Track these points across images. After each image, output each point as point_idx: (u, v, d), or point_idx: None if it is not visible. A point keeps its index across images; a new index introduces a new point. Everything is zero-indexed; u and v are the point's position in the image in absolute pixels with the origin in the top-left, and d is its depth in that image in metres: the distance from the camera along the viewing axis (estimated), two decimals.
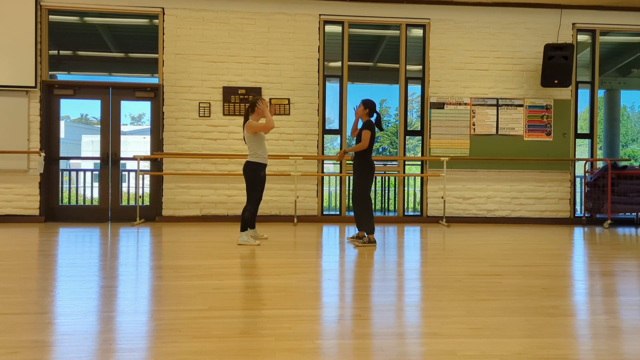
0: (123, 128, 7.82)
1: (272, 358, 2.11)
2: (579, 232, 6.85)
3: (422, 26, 7.76)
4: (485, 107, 7.70)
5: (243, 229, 5.30)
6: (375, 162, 5.52)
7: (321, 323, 2.62)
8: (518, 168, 7.73)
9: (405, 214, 7.96)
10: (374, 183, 9.21)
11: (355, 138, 5.53)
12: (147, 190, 7.73)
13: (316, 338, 2.37)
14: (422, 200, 7.84)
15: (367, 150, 5.31)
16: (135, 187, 7.53)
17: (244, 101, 7.41)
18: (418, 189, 8.22)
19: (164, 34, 7.38)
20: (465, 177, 7.73)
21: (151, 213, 7.46)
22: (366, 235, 5.33)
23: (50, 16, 7.34)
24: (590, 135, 8.01)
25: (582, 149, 9.33)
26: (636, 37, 8.48)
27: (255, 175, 5.24)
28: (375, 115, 5.41)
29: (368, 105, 5.39)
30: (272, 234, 6.08)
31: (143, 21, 7.71)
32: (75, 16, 7.64)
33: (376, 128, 5.40)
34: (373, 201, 9.56)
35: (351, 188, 6.82)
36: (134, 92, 7.56)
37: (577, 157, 8.13)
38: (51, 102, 7.38)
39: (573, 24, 7.85)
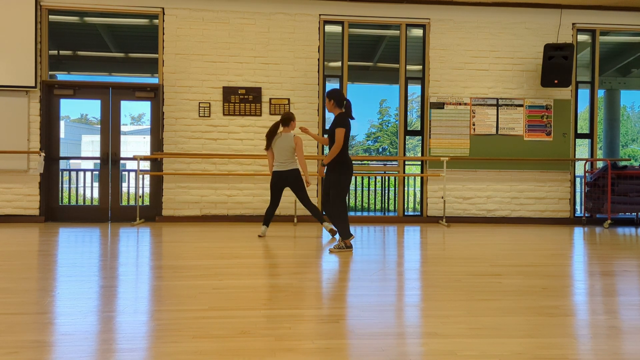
0: (123, 128, 7.82)
1: (272, 358, 2.11)
2: (579, 232, 6.85)
3: (422, 26, 7.75)
4: (485, 107, 7.70)
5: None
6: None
7: (321, 323, 2.62)
8: (518, 168, 7.73)
9: (405, 214, 7.96)
10: (373, 183, 9.24)
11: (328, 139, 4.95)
12: (147, 190, 7.73)
13: (316, 338, 2.37)
14: (422, 200, 7.84)
15: (343, 147, 4.76)
16: (135, 187, 7.53)
17: (244, 101, 7.41)
18: (418, 189, 8.22)
19: (164, 34, 7.38)
20: (465, 177, 7.73)
21: (151, 213, 7.46)
22: (339, 240, 4.87)
23: (50, 16, 7.34)
24: (590, 135, 8.01)
25: (582, 149, 9.34)
26: (636, 37, 8.48)
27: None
28: (345, 102, 4.81)
29: (332, 96, 4.79)
30: (272, 234, 6.08)
31: (143, 21, 7.71)
32: (75, 16, 7.64)
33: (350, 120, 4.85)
34: (373, 201, 9.62)
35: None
36: (134, 92, 7.56)
37: (577, 157, 8.13)
38: (51, 102, 7.38)
39: (573, 24, 7.84)
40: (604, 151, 10.32)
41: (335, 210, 4.84)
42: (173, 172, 7.37)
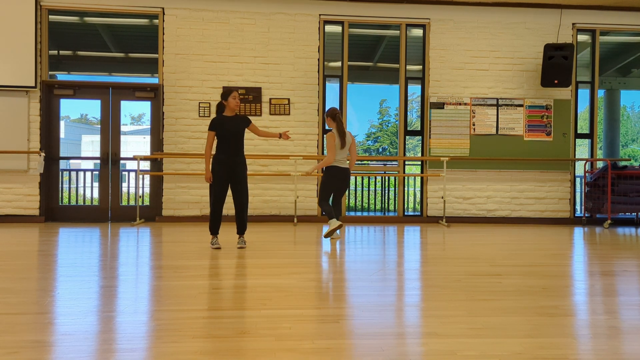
0: (123, 128, 7.82)
1: (272, 358, 2.11)
2: (579, 232, 6.85)
3: (422, 26, 7.75)
4: (485, 107, 7.70)
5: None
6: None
7: (321, 323, 2.62)
8: (518, 168, 7.73)
9: (405, 214, 7.96)
10: (373, 183, 9.24)
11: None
12: (147, 190, 7.73)
13: (316, 338, 2.37)
14: (422, 200, 7.84)
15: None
16: (135, 187, 7.53)
17: (244, 101, 7.40)
18: (418, 189, 8.22)
19: (164, 34, 7.38)
20: (465, 177, 7.73)
21: (151, 213, 7.45)
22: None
23: (50, 16, 7.34)
24: (590, 135, 8.01)
25: (582, 149, 9.34)
26: (636, 37, 8.48)
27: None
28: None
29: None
30: (272, 234, 6.09)
31: (143, 21, 7.71)
32: (75, 16, 7.64)
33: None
34: (373, 201, 9.62)
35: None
36: (134, 92, 7.55)
37: (577, 157, 8.13)
38: (51, 102, 7.38)
39: (573, 24, 7.84)
40: (604, 151, 10.32)
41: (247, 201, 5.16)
42: (173, 172, 7.37)
